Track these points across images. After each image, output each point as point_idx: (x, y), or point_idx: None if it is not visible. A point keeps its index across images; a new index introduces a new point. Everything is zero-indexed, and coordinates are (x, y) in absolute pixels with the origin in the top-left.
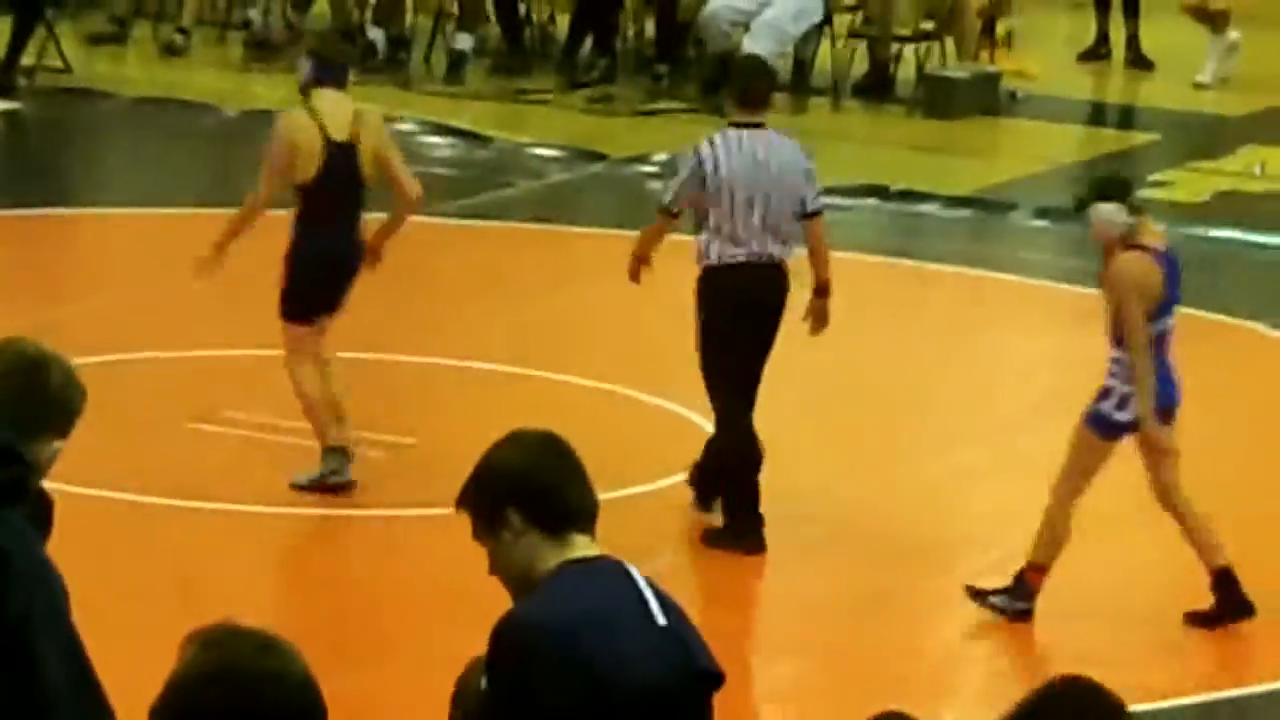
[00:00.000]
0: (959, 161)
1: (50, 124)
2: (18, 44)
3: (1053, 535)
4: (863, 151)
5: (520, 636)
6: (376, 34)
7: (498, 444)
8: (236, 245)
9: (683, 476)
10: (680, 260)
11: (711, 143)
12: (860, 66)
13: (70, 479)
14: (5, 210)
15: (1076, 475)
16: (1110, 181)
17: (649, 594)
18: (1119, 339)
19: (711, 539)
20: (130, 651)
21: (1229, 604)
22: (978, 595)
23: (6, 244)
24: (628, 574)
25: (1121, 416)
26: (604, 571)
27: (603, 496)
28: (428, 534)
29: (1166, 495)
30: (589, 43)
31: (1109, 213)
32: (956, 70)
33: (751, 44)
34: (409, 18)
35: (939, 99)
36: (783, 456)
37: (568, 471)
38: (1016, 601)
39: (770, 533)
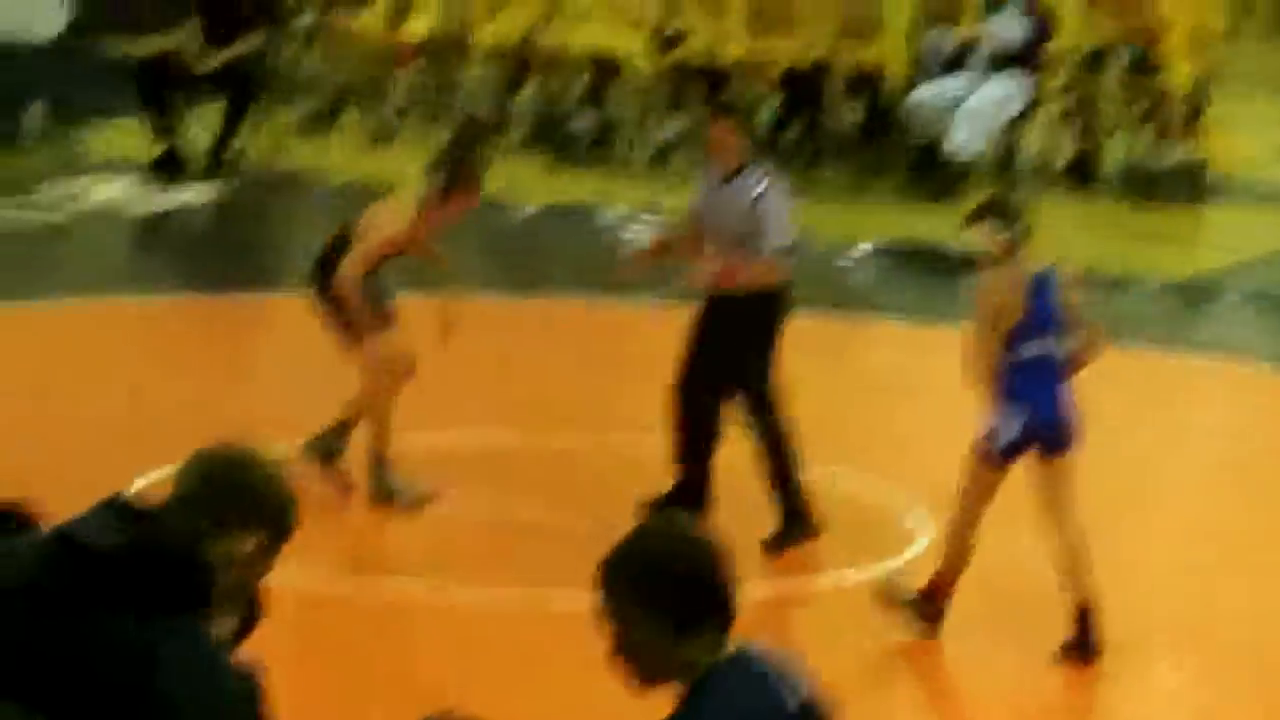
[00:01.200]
0: (1165, 247)
1: (258, 208)
2: (230, 128)
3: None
4: (1069, 236)
5: None
6: (584, 120)
7: (639, 531)
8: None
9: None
10: (881, 345)
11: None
12: (1065, 152)
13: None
14: (211, 293)
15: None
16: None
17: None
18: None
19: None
20: None
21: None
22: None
23: (210, 326)
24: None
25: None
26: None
27: (815, 580)
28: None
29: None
30: (795, 127)
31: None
32: (1162, 156)
33: (957, 131)
34: (616, 103)
35: (1144, 184)
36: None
37: (709, 564)
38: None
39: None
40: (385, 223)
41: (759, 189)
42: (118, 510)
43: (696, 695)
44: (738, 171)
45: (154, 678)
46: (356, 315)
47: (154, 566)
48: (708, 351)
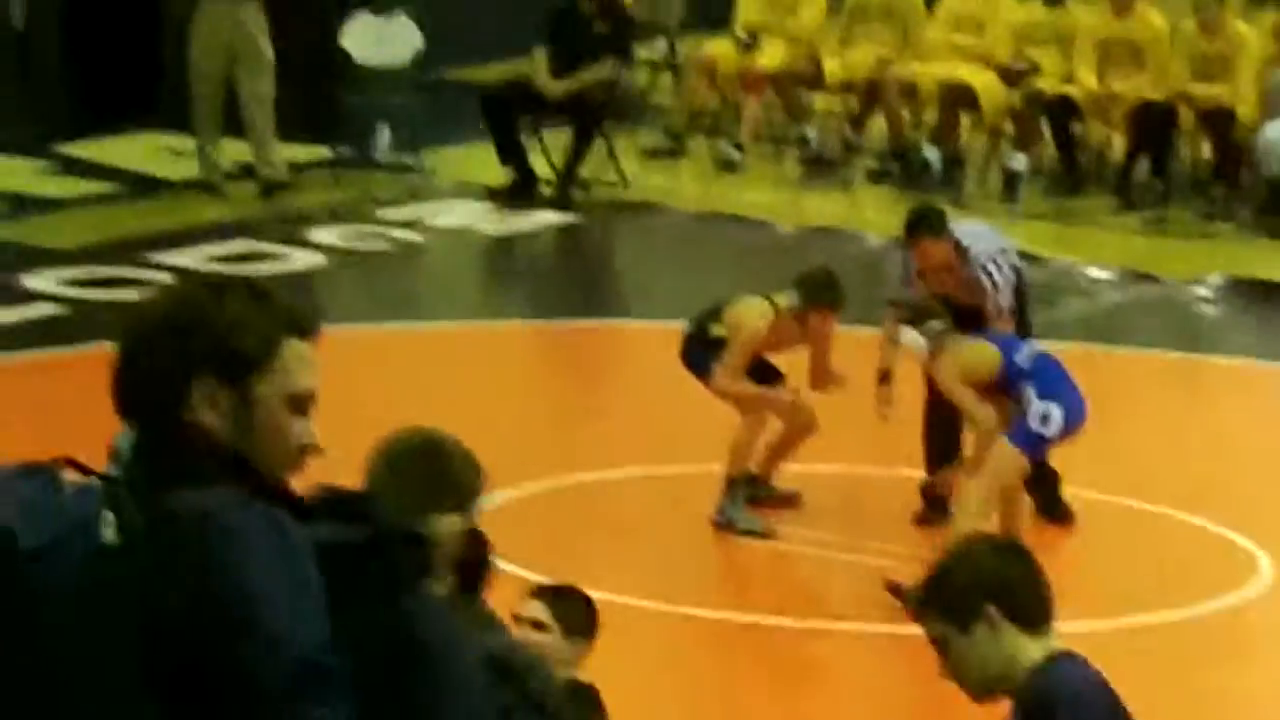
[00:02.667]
0: None
1: (605, 237)
2: (576, 157)
3: None
4: None
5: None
6: (932, 153)
7: (962, 544)
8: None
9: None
10: (1224, 384)
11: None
12: None
13: (623, 590)
14: (557, 319)
15: None
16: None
17: None
18: None
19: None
20: None
21: None
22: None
23: (558, 354)
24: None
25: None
26: (1088, 664)
27: (1136, 620)
28: None
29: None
30: (1145, 164)
31: None
32: None
33: None
34: (964, 137)
35: None
36: None
37: (1034, 568)
38: None
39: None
40: (746, 326)
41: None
42: (328, 507)
43: (1049, 679)
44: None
45: (423, 647)
46: (748, 407)
47: (401, 552)
48: None
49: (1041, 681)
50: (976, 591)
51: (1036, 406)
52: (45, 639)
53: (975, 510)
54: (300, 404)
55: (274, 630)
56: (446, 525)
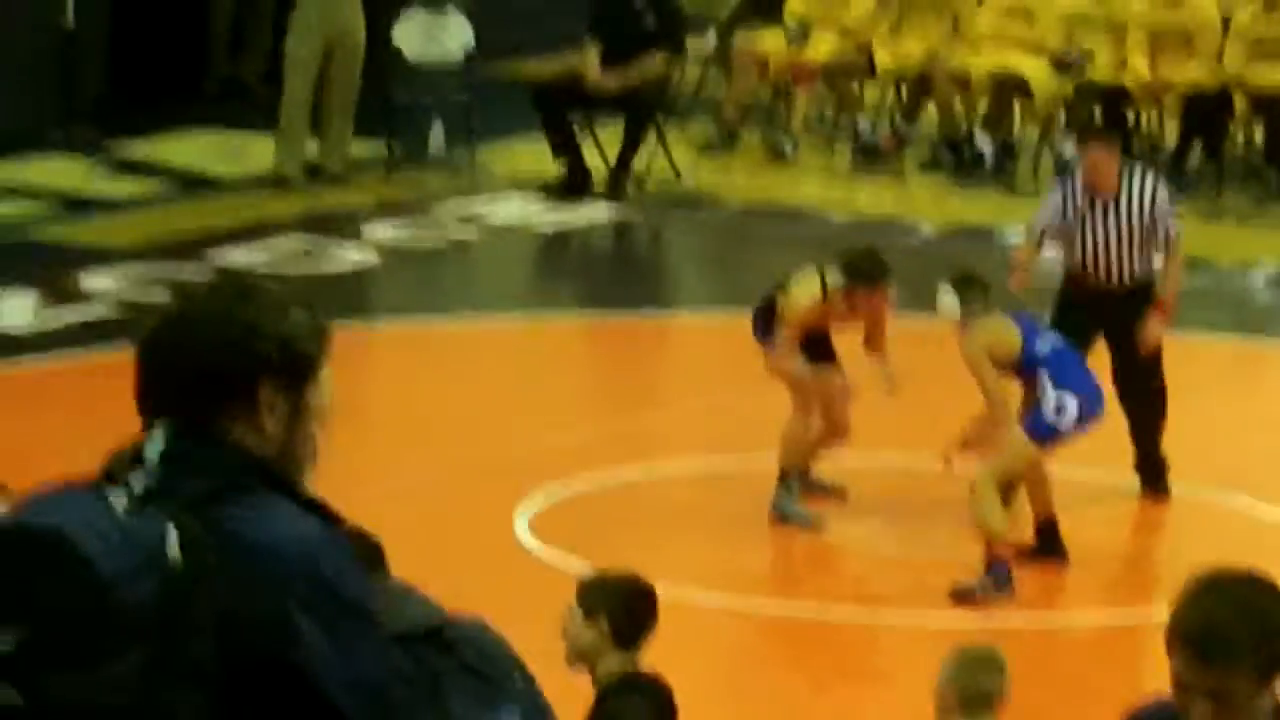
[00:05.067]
0: None
1: (659, 230)
2: (629, 150)
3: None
4: None
5: None
6: (984, 142)
7: (1262, 588)
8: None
9: None
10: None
11: None
12: None
13: (682, 580)
14: (611, 312)
15: None
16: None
17: None
18: None
19: None
20: None
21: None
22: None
23: (614, 346)
24: None
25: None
26: None
27: None
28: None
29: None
30: (1198, 150)
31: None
32: None
33: None
34: (1017, 125)
35: None
36: None
37: None
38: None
39: None
40: (794, 305)
41: (1150, 190)
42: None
43: None
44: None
45: None
46: (797, 390)
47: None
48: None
49: None
50: (1253, 643)
51: (1051, 395)
52: (125, 665)
53: (989, 499)
54: (325, 416)
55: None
56: None
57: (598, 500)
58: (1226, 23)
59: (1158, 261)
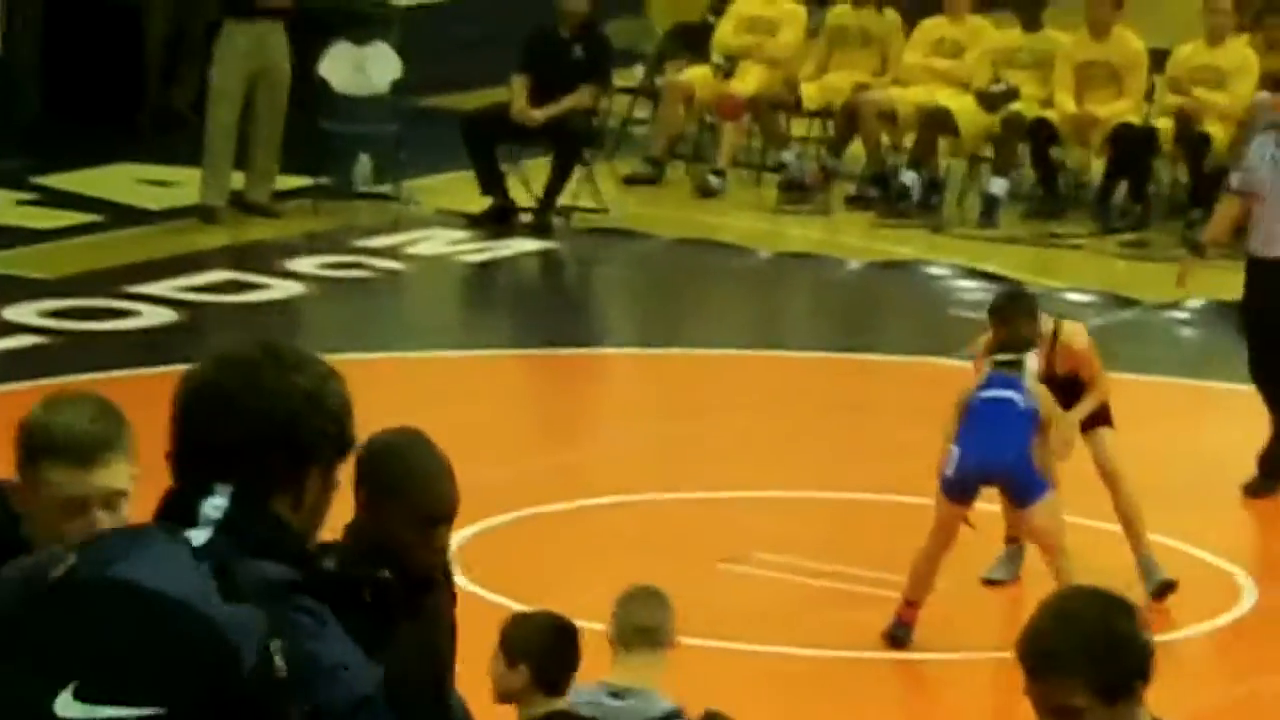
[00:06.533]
0: None
1: (585, 263)
2: (556, 184)
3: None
4: None
5: None
6: (911, 177)
7: (1099, 602)
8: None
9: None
10: (1208, 408)
11: None
12: None
13: (603, 618)
14: (538, 349)
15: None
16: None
17: None
18: None
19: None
20: None
21: None
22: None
23: (539, 382)
24: None
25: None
26: None
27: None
28: (965, 677)
29: None
30: (1123, 188)
31: None
32: None
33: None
34: (943, 161)
35: None
36: None
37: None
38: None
39: None
40: None
41: None
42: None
43: None
44: None
45: None
46: None
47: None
48: None
49: None
50: (1135, 668)
51: (952, 447)
52: None
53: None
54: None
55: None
56: None
57: (525, 535)
58: (1160, 58)
59: None
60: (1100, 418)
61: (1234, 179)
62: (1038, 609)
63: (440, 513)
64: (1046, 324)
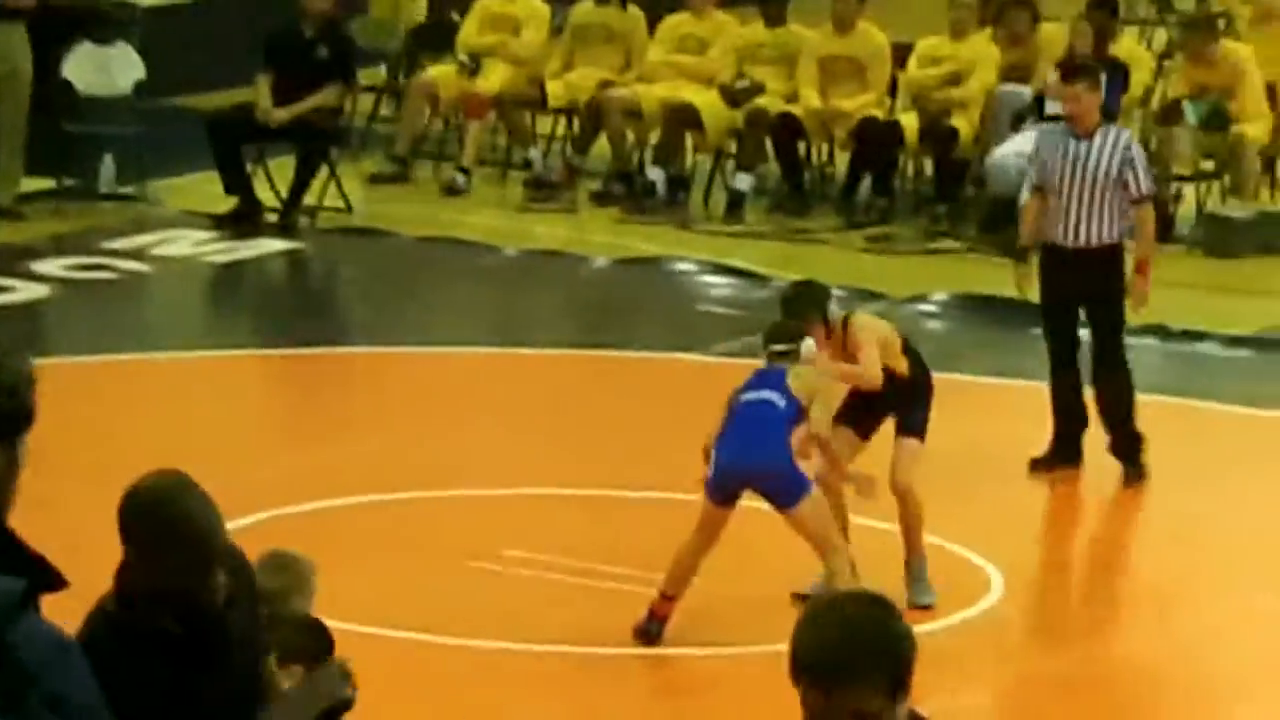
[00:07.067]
0: (1240, 301)
1: (331, 263)
2: (301, 184)
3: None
4: None
5: None
6: (656, 174)
7: (871, 605)
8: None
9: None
10: (951, 400)
11: None
12: None
13: (353, 617)
14: (286, 349)
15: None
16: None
17: None
18: None
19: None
20: None
21: None
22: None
23: (287, 382)
24: None
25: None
26: None
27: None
28: (721, 674)
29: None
30: (868, 182)
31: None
32: (1237, 209)
33: (1029, 186)
34: (689, 157)
35: (1219, 238)
36: (1055, 596)
37: None
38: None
39: (1037, 671)
40: None
41: (1124, 139)
42: None
43: None
44: (1095, 128)
45: None
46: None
47: None
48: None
49: None
50: (911, 659)
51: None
52: None
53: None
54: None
55: None
56: None
57: (275, 536)
58: (903, 53)
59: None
60: (912, 426)
61: (1032, 175)
62: (809, 620)
63: (218, 555)
64: (837, 315)
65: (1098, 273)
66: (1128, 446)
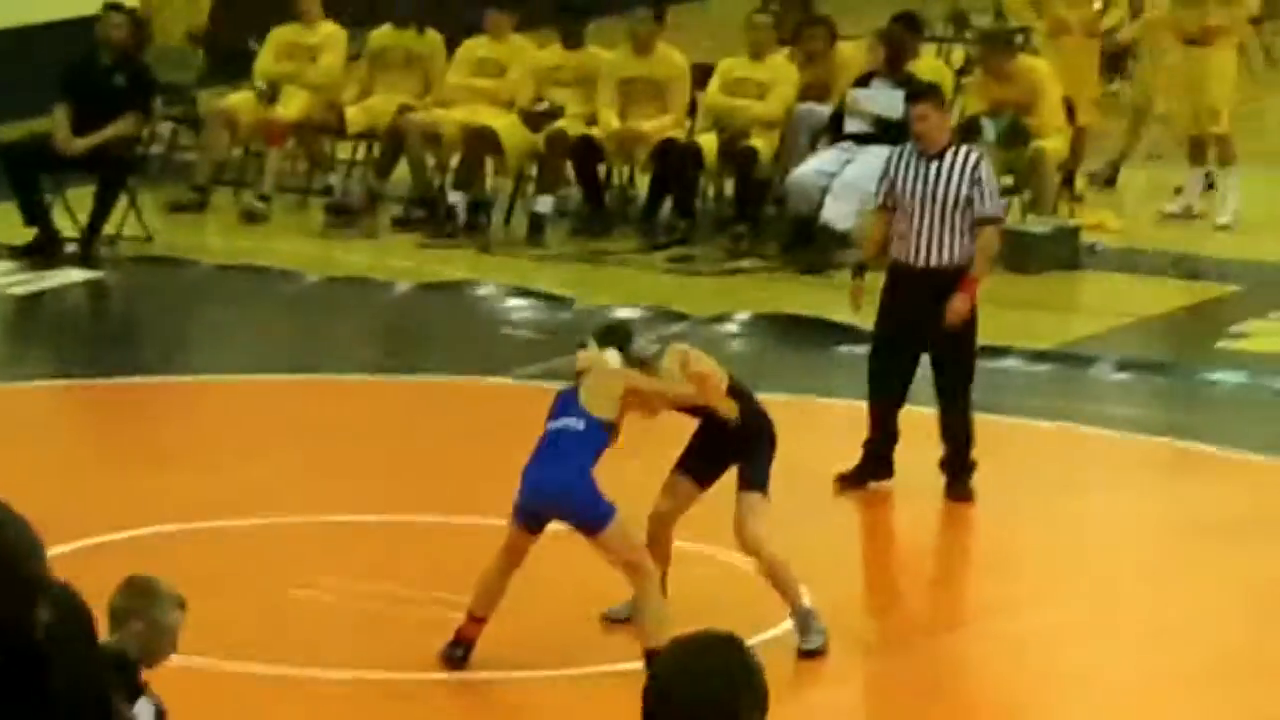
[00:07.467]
0: (1039, 315)
1: (132, 292)
2: (101, 213)
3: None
4: None
5: None
6: (457, 198)
7: (730, 648)
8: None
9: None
10: None
11: None
12: None
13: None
14: (87, 379)
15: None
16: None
17: None
18: None
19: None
20: None
21: None
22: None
23: (91, 412)
24: None
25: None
26: None
27: None
28: (530, 697)
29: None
30: (668, 203)
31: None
32: (1036, 224)
33: (834, 203)
34: (489, 181)
35: (1018, 253)
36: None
37: None
38: None
39: (856, 688)
40: None
41: (974, 159)
42: None
43: None
44: (945, 148)
45: None
46: None
47: None
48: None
49: None
50: (758, 705)
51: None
52: None
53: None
54: None
55: None
56: None
57: (91, 567)
58: (704, 74)
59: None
60: (753, 480)
61: (877, 193)
62: (671, 666)
63: (43, 584)
64: (645, 350)
65: (946, 295)
66: (961, 468)
